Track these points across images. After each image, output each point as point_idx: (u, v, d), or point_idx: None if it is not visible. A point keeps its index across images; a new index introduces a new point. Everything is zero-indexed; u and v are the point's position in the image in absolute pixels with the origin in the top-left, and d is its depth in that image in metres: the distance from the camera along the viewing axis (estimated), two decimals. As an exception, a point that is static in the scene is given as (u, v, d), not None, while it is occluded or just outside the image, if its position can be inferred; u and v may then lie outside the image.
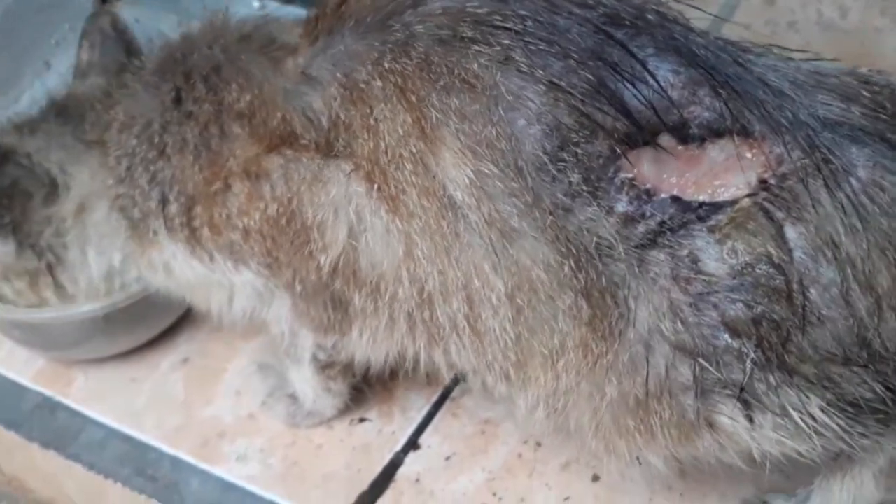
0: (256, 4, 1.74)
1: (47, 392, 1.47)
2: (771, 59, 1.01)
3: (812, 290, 0.95)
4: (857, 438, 1.00)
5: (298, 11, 1.33)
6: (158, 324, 1.48)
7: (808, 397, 0.98)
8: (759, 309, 0.96)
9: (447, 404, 1.39)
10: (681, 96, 0.98)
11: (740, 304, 0.96)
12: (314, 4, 1.13)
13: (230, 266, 1.20)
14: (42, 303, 1.37)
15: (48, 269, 1.34)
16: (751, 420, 1.00)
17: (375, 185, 1.06)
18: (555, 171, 0.98)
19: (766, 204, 0.95)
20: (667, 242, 0.97)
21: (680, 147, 0.97)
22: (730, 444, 1.03)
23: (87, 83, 1.38)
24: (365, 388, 1.38)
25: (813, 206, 0.95)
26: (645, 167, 0.97)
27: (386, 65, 1.04)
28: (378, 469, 1.34)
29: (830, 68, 1.01)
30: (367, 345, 1.18)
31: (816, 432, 0.99)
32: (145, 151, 1.20)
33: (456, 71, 1.01)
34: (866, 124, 0.97)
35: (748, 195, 0.96)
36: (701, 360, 0.98)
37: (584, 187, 0.98)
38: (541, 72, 0.99)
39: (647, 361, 1.00)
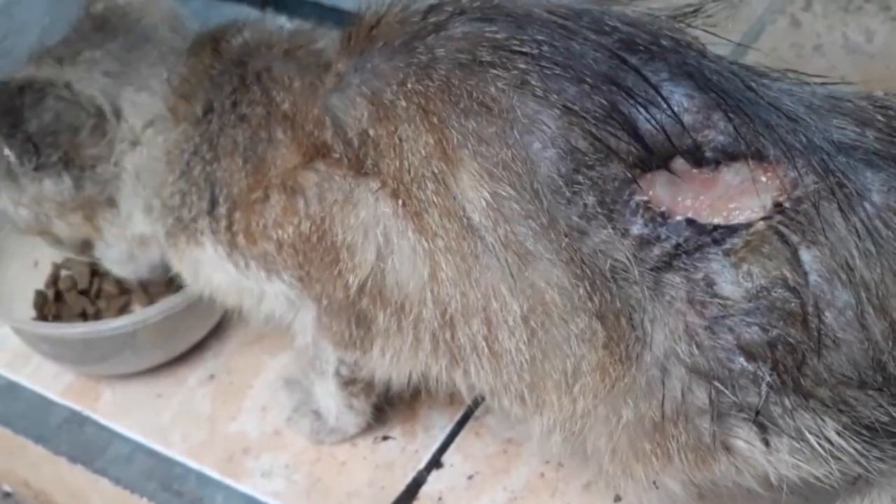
0: (288, 26, 1.73)
1: (75, 406, 1.48)
2: (786, 84, 1.02)
3: (827, 314, 0.95)
4: (873, 462, 0.99)
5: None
6: (186, 340, 1.49)
7: (823, 421, 0.97)
8: (775, 332, 0.96)
9: (470, 423, 1.40)
10: (695, 120, 0.98)
11: (756, 328, 0.96)
12: (346, 25, 1.15)
13: (263, 275, 1.22)
14: (98, 235, 1.33)
15: (108, 202, 1.29)
16: (767, 443, 1.00)
17: (400, 202, 1.07)
18: (570, 194, 0.99)
19: (781, 227, 0.95)
20: (682, 265, 0.97)
21: (694, 170, 0.98)
22: (746, 467, 1.03)
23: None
24: (387, 407, 1.38)
25: (827, 230, 0.94)
26: (659, 190, 0.98)
27: (409, 86, 1.05)
28: (401, 487, 1.35)
29: (846, 92, 1.01)
30: (390, 364, 1.19)
31: (833, 456, 0.99)
32: (205, 151, 1.21)
33: (474, 94, 1.02)
34: (881, 149, 0.97)
35: (763, 218, 0.96)
36: (717, 383, 0.98)
37: (599, 210, 0.98)
38: (555, 96, 0.99)
39: (664, 385, 1.00)
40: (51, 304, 1.55)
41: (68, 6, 1.34)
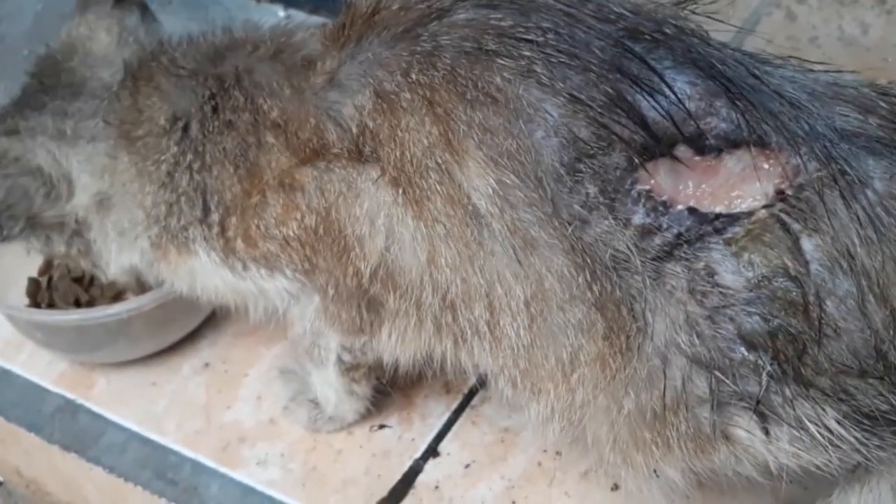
0: (282, 14, 1.74)
1: (69, 395, 1.47)
2: (789, 71, 1.02)
3: (828, 303, 0.95)
4: (873, 450, 1.00)
5: (325, 21, 1.32)
6: (181, 328, 1.49)
7: (824, 409, 0.97)
8: (776, 322, 0.96)
9: (467, 412, 1.40)
10: (698, 107, 0.98)
11: (757, 317, 0.96)
12: (340, 13, 1.14)
13: (264, 274, 1.21)
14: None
15: (79, 255, 1.32)
16: (767, 433, 1.00)
17: (400, 190, 1.06)
18: (572, 183, 0.99)
19: (783, 215, 0.95)
20: (683, 255, 0.97)
21: (696, 158, 0.97)
22: (746, 456, 1.03)
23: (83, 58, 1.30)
24: (389, 390, 1.38)
25: (829, 218, 0.94)
26: (662, 178, 0.98)
27: (413, 76, 1.05)
28: (397, 475, 1.35)
29: (849, 80, 1.01)
30: (396, 345, 1.19)
31: (833, 444, 0.99)
32: (190, 160, 1.20)
33: (480, 84, 1.02)
34: (883, 136, 0.97)
35: (765, 206, 0.96)
36: (717, 372, 0.98)
37: (601, 199, 0.98)
38: (560, 84, 0.99)
39: (664, 374, 1.00)
40: (44, 292, 1.54)
41: (60, -8, 1.34)
